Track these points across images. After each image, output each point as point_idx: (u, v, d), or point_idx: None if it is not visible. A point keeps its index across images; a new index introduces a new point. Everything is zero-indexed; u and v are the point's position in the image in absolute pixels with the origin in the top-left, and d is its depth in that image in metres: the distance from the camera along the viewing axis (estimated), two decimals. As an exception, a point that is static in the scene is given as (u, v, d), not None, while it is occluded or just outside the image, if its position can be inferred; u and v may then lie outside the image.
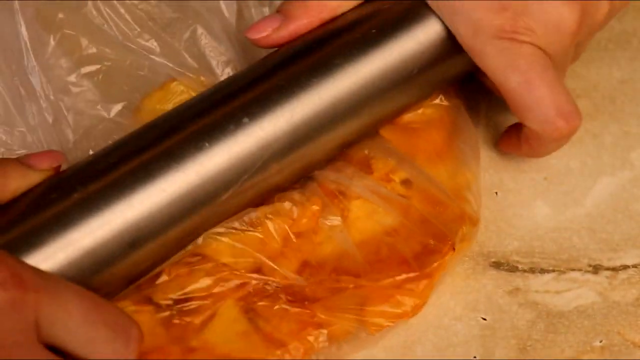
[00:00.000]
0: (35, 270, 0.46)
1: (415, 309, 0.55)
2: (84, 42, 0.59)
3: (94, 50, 0.60)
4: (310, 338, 0.54)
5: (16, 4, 0.57)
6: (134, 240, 0.50)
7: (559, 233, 0.61)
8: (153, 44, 0.59)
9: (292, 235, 0.55)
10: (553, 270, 0.60)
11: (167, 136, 0.52)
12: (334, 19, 0.57)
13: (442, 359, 0.57)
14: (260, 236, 0.54)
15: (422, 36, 0.56)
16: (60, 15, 0.59)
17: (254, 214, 0.54)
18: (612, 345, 0.57)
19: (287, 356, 0.53)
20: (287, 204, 0.55)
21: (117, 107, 0.59)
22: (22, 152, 0.57)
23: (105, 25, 0.59)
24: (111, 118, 0.59)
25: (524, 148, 0.59)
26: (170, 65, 0.59)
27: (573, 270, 0.60)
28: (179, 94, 0.59)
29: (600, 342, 0.57)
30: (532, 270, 0.60)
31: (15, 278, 0.44)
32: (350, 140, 0.57)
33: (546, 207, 0.62)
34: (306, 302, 0.54)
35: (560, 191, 0.62)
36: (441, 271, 0.55)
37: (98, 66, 0.59)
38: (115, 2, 0.59)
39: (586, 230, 0.61)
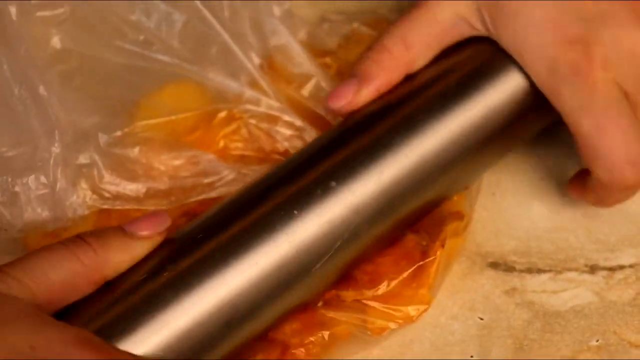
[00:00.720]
0: (131, 356, 0.44)
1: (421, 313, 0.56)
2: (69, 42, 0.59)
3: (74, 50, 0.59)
4: (313, 338, 0.54)
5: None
6: (229, 319, 0.48)
7: (556, 233, 0.61)
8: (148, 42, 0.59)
9: None
10: (550, 270, 0.60)
11: (254, 206, 0.50)
12: (411, 75, 0.56)
13: (439, 358, 0.57)
14: None
15: (504, 86, 0.55)
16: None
17: None
18: (609, 344, 0.57)
19: (289, 356, 0.54)
20: None
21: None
22: (11, 154, 0.56)
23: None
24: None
25: (591, 196, 0.57)
26: (168, 62, 0.59)
27: (570, 270, 0.60)
28: (176, 94, 0.59)
29: (597, 341, 0.58)
30: (529, 270, 0.60)
31: None
32: (440, 197, 0.55)
33: (543, 207, 0.62)
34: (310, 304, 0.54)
35: (557, 191, 0.62)
36: (434, 268, 0.56)
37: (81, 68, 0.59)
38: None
39: (583, 230, 0.61)
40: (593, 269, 0.60)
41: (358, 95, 0.54)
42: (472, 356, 0.57)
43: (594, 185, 0.56)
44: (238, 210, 0.50)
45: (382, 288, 0.55)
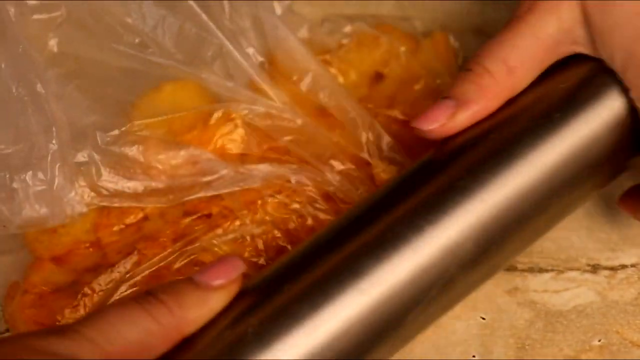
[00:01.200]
0: None
1: None
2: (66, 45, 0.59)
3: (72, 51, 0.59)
4: None
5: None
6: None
7: (558, 233, 0.61)
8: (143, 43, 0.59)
9: None
10: (552, 270, 0.60)
11: (337, 251, 0.46)
12: (509, 101, 0.51)
13: (441, 357, 0.57)
14: None
15: (606, 114, 0.50)
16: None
17: None
18: (611, 344, 0.57)
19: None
20: None
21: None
22: (9, 150, 0.56)
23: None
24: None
25: None
26: (164, 64, 0.59)
27: (572, 269, 0.60)
28: (172, 93, 0.59)
29: (599, 341, 0.58)
30: (531, 270, 0.60)
31: None
32: (538, 236, 0.52)
33: (545, 206, 0.62)
34: None
35: (559, 191, 0.63)
36: None
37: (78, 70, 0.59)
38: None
39: (585, 229, 0.61)
40: (595, 268, 0.60)
41: (453, 120, 0.50)
42: (474, 356, 0.57)
43: None
44: (318, 254, 0.46)
45: None
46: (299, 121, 0.59)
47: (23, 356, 0.40)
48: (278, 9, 0.62)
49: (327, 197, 0.58)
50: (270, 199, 0.57)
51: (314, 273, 0.45)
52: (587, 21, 0.51)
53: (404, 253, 0.46)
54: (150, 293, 0.44)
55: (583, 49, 0.52)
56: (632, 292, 0.59)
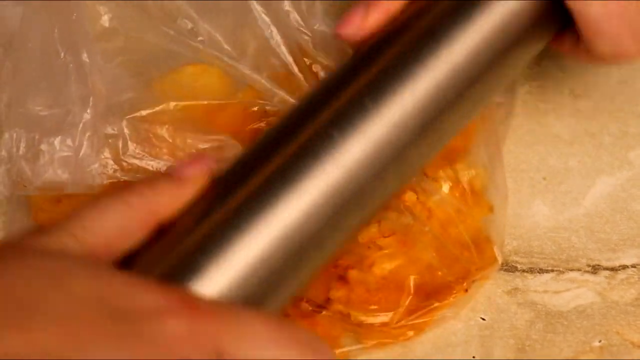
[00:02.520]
0: (204, 297, 0.44)
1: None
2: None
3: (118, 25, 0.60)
4: None
5: None
6: (289, 251, 0.47)
7: (558, 233, 0.61)
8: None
9: None
10: (552, 270, 0.60)
11: (293, 136, 0.49)
12: None
13: (441, 358, 0.57)
14: None
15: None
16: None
17: None
18: (611, 345, 0.57)
19: None
20: None
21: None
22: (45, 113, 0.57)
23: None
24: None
25: (585, 59, 0.57)
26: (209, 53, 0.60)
27: (572, 270, 0.60)
28: (195, 76, 0.59)
29: (599, 342, 0.57)
30: (531, 270, 0.60)
31: (187, 304, 0.42)
32: (473, 110, 0.54)
33: (545, 206, 0.62)
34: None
35: (559, 191, 0.62)
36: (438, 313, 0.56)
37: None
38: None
39: (585, 230, 0.61)
40: (595, 269, 0.60)
41: (367, 20, 0.53)
42: (474, 356, 0.57)
43: (592, 54, 0.56)
44: (277, 143, 0.49)
45: (384, 318, 0.55)
46: None
47: (17, 255, 0.44)
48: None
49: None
50: None
51: (274, 161, 0.48)
52: None
53: (354, 130, 0.49)
54: (126, 185, 0.48)
55: None
56: (633, 292, 0.59)
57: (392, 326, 0.55)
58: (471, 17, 0.52)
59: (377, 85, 0.50)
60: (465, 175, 0.58)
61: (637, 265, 0.60)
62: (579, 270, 0.60)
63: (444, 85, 0.51)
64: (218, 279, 0.46)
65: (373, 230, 0.56)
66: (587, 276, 0.60)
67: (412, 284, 0.55)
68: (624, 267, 0.60)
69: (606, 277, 0.60)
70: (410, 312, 0.55)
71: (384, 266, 0.55)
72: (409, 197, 0.56)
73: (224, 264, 0.46)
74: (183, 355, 0.40)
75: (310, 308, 0.55)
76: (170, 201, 0.48)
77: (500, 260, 0.57)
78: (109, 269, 0.44)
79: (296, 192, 0.48)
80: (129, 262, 0.46)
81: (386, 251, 0.56)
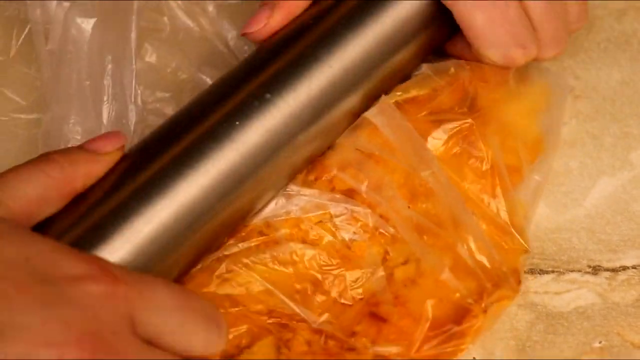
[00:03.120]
0: (120, 266, 0.47)
1: None
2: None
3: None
4: None
5: (135, 4, 0.61)
6: (189, 222, 0.52)
7: (559, 234, 0.61)
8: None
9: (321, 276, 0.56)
10: (552, 272, 0.60)
11: (200, 120, 0.55)
12: None
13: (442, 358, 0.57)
14: (291, 273, 0.56)
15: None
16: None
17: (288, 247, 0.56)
18: (612, 346, 0.57)
19: None
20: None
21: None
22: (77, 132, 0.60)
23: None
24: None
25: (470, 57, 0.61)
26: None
27: (572, 271, 0.60)
28: None
29: (600, 343, 0.57)
30: (531, 272, 0.60)
31: (105, 271, 0.46)
32: (363, 107, 0.59)
33: (546, 207, 0.62)
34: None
35: (559, 192, 0.62)
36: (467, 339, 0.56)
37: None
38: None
39: (585, 231, 0.61)
40: (596, 270, 0.60)
41: (273, 19, 0.58)
42: (474, 357, 0.57)
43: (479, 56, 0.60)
44: (185, 127, 0.54)
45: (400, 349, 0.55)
46: None
47: None
48: None
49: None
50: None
51: (182, 143, 0.54)
52: None
53: (253, 118, 0.55)
54: (44, 155, 0.52)
55: None
56: (633, 293, 0.59)
57: (411, 355, 0.55)
58: (363, 20, 0.58)
59: (276, 80, 0.56)
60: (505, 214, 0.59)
61: (638, 266, 0.60)
62: (579, 271, 0.60)
63: (337, 80, 0.57)
64: (123, 247, 0.51)
65: (411, 269, 0.56)
66: (588, 277, 0.60)
67: (429, 308, 0.55)
68: (625, 268, 0.60)
69: (607, 278, 0.60)
70: (429, 338, 0.55)
71: (416, 301, 0.56)
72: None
73: (129, 234, 0.51)
74: (101, 316, 0.44)
75: (337, 345, 0.55)
76: (85, 173, 0.52)
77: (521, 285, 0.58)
78: (33, 234, 0.47)
79: (198, 171, 0.53)
80: (43, 228, 0.51)
81: (422, 289, 0.56)
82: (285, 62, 0.56)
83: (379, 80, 0.59)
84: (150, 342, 0.46)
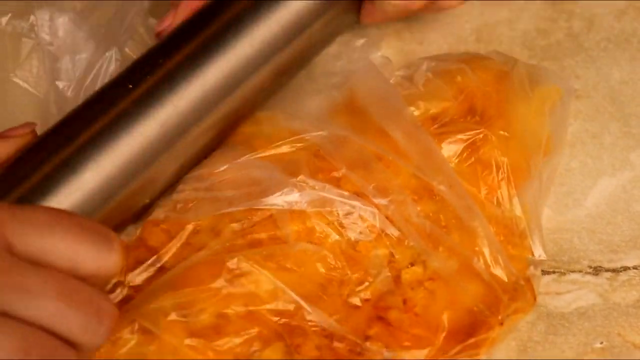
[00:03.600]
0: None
1: None
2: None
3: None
4: None
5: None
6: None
7: (560, 234, 0.61)
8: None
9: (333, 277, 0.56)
10: (553, 272, 0.60)
11: (106, 110, 0.57)
12: None
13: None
14: (299, 273, 0.55)
15: None
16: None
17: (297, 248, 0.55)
18: (613, 346, 0.57)
19: None
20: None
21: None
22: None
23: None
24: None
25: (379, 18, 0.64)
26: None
27: (573, 271, 0.60)
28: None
29: (601, 343, 0.57)
30: (532, 272, 0.60)
31: None
32: (254, 98, 0.61)
33: (547, 208, 0.62)
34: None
35: (560, 192, 0.62)
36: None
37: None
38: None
39: (586, 231, 0.61)
40: (597, 270, 0.60)
41: (177, 16, 0.62)
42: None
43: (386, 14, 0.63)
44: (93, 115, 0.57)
45: (418, 355, 0.55)
46: None
47: None
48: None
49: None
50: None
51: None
52: None
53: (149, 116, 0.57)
54: None
55: None
56: (634, 294, 0.59)
57: None
58: (258, 13, 0.60)
59: (173, 73, 0.58)
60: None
61: (639, 266, 0.60)
62: (580, 271, 0.60)
63: (231, 73, 0.59)
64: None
65: (418, 271, 0.56)
66: (589, 278, 0.60)
67: (446, 319, 0.55)
68: (626, 268, 0.60)
69: (608, 278, 0.60)
70: (445, 349, 0.55)
71: (427, 307, 0.56)
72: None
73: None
74: None
75: (347, 348, 0.54)
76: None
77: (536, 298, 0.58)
78: None
79: (95, 163, 0.56)
80: None
81: (431, 293, 0.56)
82: (180, 57, 0.59)
83: (271, 73, 0.61)
84: (37, 263, 0.45)
